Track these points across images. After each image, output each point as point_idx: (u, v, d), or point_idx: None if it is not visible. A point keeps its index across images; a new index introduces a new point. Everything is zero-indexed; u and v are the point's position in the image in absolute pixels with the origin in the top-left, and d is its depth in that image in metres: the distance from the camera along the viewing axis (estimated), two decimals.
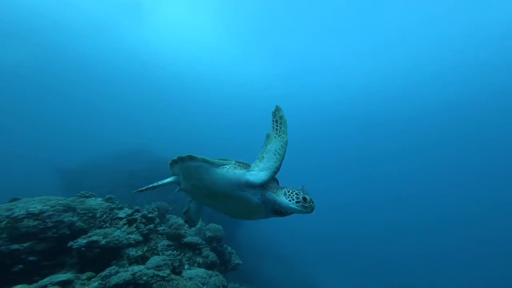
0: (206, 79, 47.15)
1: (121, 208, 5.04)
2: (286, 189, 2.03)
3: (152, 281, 3.70)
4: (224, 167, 2.06)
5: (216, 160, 2.07)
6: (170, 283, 3.98)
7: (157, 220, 5.50)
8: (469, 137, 40.06)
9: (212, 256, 6.06)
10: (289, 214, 2.07)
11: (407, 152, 46.29)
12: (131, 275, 3.47)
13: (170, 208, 6.96)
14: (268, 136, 2.02)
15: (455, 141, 41.24)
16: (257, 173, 1.98)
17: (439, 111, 40.06)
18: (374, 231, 40.21)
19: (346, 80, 43.72)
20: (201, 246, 6.14)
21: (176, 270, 4.48)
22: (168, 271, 4.09)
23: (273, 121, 2.01)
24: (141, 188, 2.33)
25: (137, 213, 5.00)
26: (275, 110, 1.99)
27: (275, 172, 1.99)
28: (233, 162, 2.12)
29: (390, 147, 46.95)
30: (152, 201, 7.29)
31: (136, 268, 3.67)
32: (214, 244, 7.78)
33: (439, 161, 43.95)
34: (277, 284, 15.14)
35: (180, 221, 6.99)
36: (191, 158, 2.09)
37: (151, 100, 45.38)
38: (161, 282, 3.84)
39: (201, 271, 5.09)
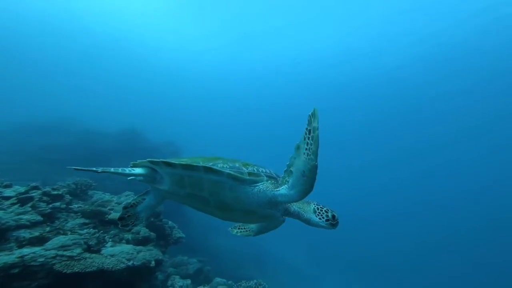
0: (152, 40, 41.81)
1: (8, 186, 4.13)
2: (315, 205, 1.97)
3: (54, 262, 3.14)
4: (256, 186, 1.83)
5: (247, 177, 1.78)
6: (82, 262, 3.47)
7: (68, 197, 4.72)
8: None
9: (144, 232, 5.62)
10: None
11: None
12: (18, 257, 2.85)
13: (94, 184, 6.12)
14: (298, 147, 1.67)
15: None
16: (288, 194, 1.79)
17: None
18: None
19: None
20: None
21: (93, 249, 3.95)
22: (78, 250, 3.55)
23: (306, 129, 1.60)
24: (81, 168, 1.81)
25: (34, 191, 4.17)
26: (311, 115, 1.56)
27: (307, 194, 1.76)
28: (265, 178, 1.86)
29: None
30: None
31: (26, 250, 3.04)
32: (152, 219, 7.34)
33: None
34: (229, 253, 15.53)
35: (107, 197, 6.26)
36: (208, 170, 1.75)
37: (83, 63, 38.74)
38: (68, 262, 3.30)
39: (127, 247, 4.65)
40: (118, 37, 40.49)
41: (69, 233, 3.80)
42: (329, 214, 1.92)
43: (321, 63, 35.30)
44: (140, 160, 2.07)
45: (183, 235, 8.27)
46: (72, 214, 4.45)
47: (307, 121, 1.57)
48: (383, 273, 22.57)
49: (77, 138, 11.59)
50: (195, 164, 1.77)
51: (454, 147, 36.91)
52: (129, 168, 2.05)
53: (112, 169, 1.90)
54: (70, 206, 4.64)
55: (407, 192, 42.11)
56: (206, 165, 1.75)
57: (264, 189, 1.83)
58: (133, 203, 2.19)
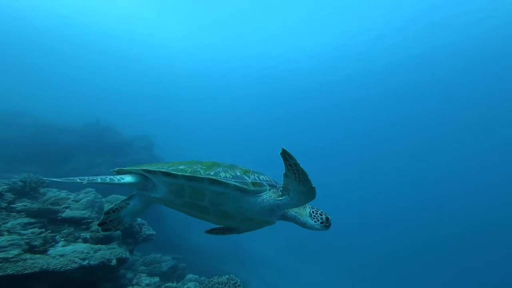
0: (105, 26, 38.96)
1: None
2: (310, 209, 2.00)
3: None
4: (260, 196, 1.84)
5: (252, 188, 1.78)
6: (20, 263, 3.08)
7: (10, 195, 4.22)
8: None
9: None
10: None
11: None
12: None
13: (46, 182, 5.57)
14: (286, 175, 1.62)
15: None
16: (290, 202, 1.79)
17: None
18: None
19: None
20: (89, 221, 5.21)
21: (38, 249, 3.55)
22: (16, 251, 3.15)
23: (286, 164, 1.55)
24: (63, 179, 1.72)
25: None
26: (284, 154, 1.49)
27: (309, 202, 1.78)
28: (267, 187, 1.87)
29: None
30: None
31: None
32: None
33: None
34: (208, 250, 15.29)
35: (63, 195, 5.74)
36: (213, 181, 1.73)
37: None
38: (2, 264, 2.91)
39: (82, 246, 4.26)
40: (85, 30, 37.73)
41: (6, 233, 3.36)
42: (323, 217, 1.98)
43: (299, 64, 35.50)
44: (129, 167, 1.95)
45: (154, 232, 7.92)
46: (14, 214, 3.97)
47: (282, 158, 1.52)
48: (362, 269, 23.19)
49: (32, 133, 10.59)
50: (199, 175, 1.74)
51: (449, 148, 37.51)
52: (118, 177, 1.92)
53: (99, 179, 1.78)
54: (12, 205, 4.14)
55: (389, 191, 43.01)
56: (212, 177, 1.73)
57: (268, 198, 1.84)
58: (116, 208, 2.08)
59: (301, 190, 1.64)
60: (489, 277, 25.53)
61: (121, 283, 5.98)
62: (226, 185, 1.73)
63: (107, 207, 7.20)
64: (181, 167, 1.86)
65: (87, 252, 4.13)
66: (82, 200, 5.79)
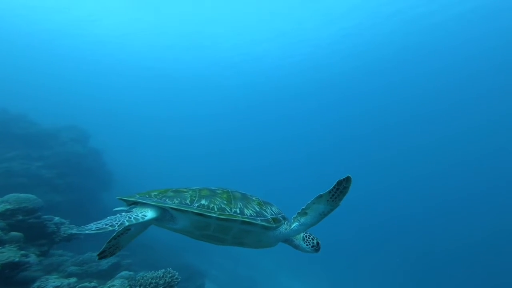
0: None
1: None
2: (304, 233, 2.25)
3: None
4: (277, 230, 2.10)
5: (273, 225, 2.03)
6: None
7: None
8: None
9: None
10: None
11: None
12: None
13: None
14: (320, 196, 1.94)
15: None
16: (298, 229, 2.11)
17: None
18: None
19: None
20: None
21: None
22: None
23: (334, 187, 1.90)
24: (93, 229, 1.59)
25: None
26: (345, 180, 1.87)
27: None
28: (283, 221, 2.13)
29: None
30: None
31: None
32: (20, 217, 5.78)
33: None
34: (166, 243, 14.32)
35: None
36: (244, 222, 1.93)
37: None
38: None
39: None
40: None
41: None
42: (315, 241, 2.24)
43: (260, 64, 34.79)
44: (148, 200, 1.93)
45: (77, 232, 6.90)
46: None
47: (337, 182, 1.86)
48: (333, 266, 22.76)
49: None
50: (234, 217, 1.89)
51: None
52: (141, 215, 1.86)
53: (126, 223, 1.73)
54: None
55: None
56: (244, 219, 1.91)
57: (283, 231, 2.10)
58: (116, 236, 2.08)
59: (324, 211, 1.97)
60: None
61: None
62: (255, 225, 1.94)
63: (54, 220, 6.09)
64: (204, 202, 1.95)
65: None
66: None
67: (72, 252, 8.08)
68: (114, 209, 2.04)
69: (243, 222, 1.91)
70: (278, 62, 34.33)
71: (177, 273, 5.84)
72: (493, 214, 31.55)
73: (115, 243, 2.09)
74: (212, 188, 2.18)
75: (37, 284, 4.52)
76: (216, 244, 2.17)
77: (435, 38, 26.64)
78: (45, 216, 6.30)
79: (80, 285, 4.65)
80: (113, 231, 1.68)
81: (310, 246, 2.22)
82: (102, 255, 2.08)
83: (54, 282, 4.59)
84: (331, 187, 1.90)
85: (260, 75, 37.53)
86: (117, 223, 1.68)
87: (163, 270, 5.72)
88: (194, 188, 2.13)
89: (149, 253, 11.25)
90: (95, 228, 1.60)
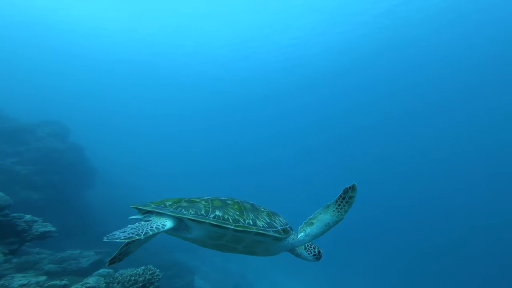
0: None
1: None
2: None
3: None
4: (286, 240, 2.17)
5: (283, 236, 2.10)
6: None
7: None
8: None
9: None
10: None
11: None
12: None
13: None
14: (327, 206, 2.08)
15: None
16: (304, 240, 2.20)
17: None
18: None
19: None
20: None
21: None
22: None
23: (340, 196, 2.04)
24: (122, 237, 1.68)
25: None
26: (350, 188, 2.01)
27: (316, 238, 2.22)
28: (291, 232, 2.22)
29: None
30: None
31: None
32: None
33: None
34: (152, 241, 13.89)
35: None
36: (258, 234, 2.02)
37: None
38: None
39: None
40: None
41: None
42: (316, 250, 2.34)
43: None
44: (165, 210, 2.00)
45: (53, 229, 6.64)
46: None
47: (343, 191, 2.02)
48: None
49: None
50: (249, 229, 1.98)
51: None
52: (161, 224, 1.93)
53: (150, 232, 1.81)
54: None
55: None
56: (259, 231, 2.00)
57: (291, 241, 2.21)
58: (129, 243, 2.13)
59: (329, 221, 2.07)
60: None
61: None
62: (268, 236, 2.02)
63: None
64: (219, 213, 2.02)
65: None
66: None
67: (50, 250, 7.81)
68: (129, 217, 2.16)
69: (257, 234, 2.00)
70: (265, 58, 33.84)
71: (158, 270, 5.60)
72: (488, 212, 31.73)
73: (126, 250, 2.17)
74: (223, 198, 2.26)
75: (1, 282, 4.18)
76: (226, 252, 2.26)
77: (424, 33, 26.75)
78: (14, 214, 5.94)
79: (50, 283, 4.34)
80: (139, 239, 1.76)
81: (311, 254, 2.34)
82: (112, 261, 2.17)
83: (20, 280, 4.27)
84: (338, 196, 2.04)
85: (247, 72, 36.98)
86: (142, 232, 1.76)
87: (143, 267, 5.47)
88: (205, 198, 2.20)
89: (137, 251, 10.84)
90: (123, 237, 1.67)
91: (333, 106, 40.31)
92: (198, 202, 2.11)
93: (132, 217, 2.15)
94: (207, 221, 1.92)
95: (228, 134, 45.85)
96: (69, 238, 9.22)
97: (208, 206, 2.06)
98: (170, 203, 2.08)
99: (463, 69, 29.25)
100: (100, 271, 5.49)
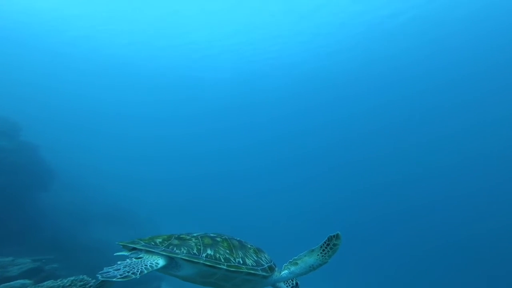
0: None
1: None
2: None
3: None
4: (271, 277, 2.29)
5: (269, 273, 2.24)
6: None
7: None
8: None
9: None
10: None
11: None
12: None
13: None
14: (312, 251, 2.23)
15: None
16: (287, 277, 2.34)
17: None
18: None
19: None
20: None
21: None
22: None
23: (324, 243, 2.19)
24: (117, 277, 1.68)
25: None
26: (334, 237, 2.15)
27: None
28: (276, 269, 2.36)
29: None
30: None
31: None
32: None
33: None
34: (106, 246, 13.14)
35: None
36: (249, 274, 2.12)
37: None
38: None
39: None
40: None
41: None
42: (294, 282, 2.54)
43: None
44: (156, 249, 2.01)
45: None
46: None
47: (328, 238, 2.19)
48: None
49: None
50: (240, 269, 2.08)
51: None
52: (154, 262, 1.94)
53: (145, 271, 1.82)
54: None
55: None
56: (249, 271, 2.11)
57: (276, 278, 2.33)
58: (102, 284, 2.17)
59: (313, 264, 2.23)
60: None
61: None
62: (256, 275, 2.16)
63: None
64: (210, 252, 2.09)
65: None
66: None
67: None
68: (115, 254, 2.17)
69: (248, 274, 2.10)
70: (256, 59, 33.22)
71: (91, 280, 5.05)
72: (482, 213, 32.10)
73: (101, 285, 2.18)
74: (211, 235, 2.31)
75: None
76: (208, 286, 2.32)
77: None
78: None
79: None
80: (135, 278, 1.75)
81: (290, 286, 2.49)
82: None
83: None
84: (322, 242, 2.19)
85: (236, 74, 36.33)
86: (138, 271, 1.77)
87: (72, 277, 4.89)
88: (195, 235, 2.25)
89: (93, 257, 10.11)
90: (119, 275, 1.66)
91: (330, 111, 40.09)
92: (188, 239, 2.15)
93: (118, 253, 2.16)
94: (201, 261, 1.98)
95: (204, 138, 44.19)
96: (9, 244, 8.35)
97: (199, 244, 2.11)
98: (160, 240, 2.10)
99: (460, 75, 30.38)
100: (13, 283, 4.82)
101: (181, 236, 2.20)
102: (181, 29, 31.68)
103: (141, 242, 2.08)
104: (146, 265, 1.85)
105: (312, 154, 42.14)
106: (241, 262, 2.11)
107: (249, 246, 2.37)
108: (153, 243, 2.05)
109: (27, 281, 5.04)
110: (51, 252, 8.64)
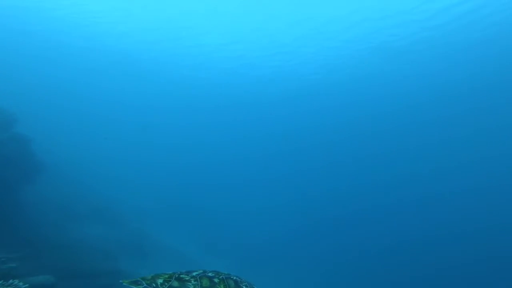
0: None
1: None
2: None
3: None
4: None
5: None
6: None
7: None
8: None
9: None
10: None
11: None
12: None
13: None
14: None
15: None
16: None
17: None
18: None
19: None
20: None
21: None
22: None
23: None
24: None
25: None
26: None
27: None
28: None
29: None
30: None
31: None
32: None
33: None
34: (90, 245, 12.86)
35: None
36: None
37: None
38: None
39: None
40: None
41: None
42: None
43: None
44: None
45: None
46: None
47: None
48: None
49: None
50: None
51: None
52: None
53: None
54: None
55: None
56: None
57: None
58: None
59: None
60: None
61: None
62: None
63: None
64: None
65: None
66: None
67: None
68: None
69: None
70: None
71: (54, 279, 4.94)
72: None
73: None
74: (208, 275, 2.45)
75: None
76: None
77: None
78: None
79: None
80: None
81: None
82: None
83: None
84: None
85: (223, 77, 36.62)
86: None
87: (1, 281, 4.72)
88: (194, 274, 2.40)
89: (64, 257, 9.88)
90: None
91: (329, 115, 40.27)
92: (187, 280, 2.31)
93: None
94: None
95: (201, 141, 44.47)
96: None
97: (197, 286, 2.28)
98: (161, 281, 2.27)
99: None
100: None
101: (181, 276, 2.37)
102: (191, 31, 32.24)
103: (144, 282, 2.26)
104: None
105: (305, 165, 42.45)
106: None
107: (243, 286, 2.57)
108: (154, 285, 2.24)
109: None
110: (22, 249, 8.40)
